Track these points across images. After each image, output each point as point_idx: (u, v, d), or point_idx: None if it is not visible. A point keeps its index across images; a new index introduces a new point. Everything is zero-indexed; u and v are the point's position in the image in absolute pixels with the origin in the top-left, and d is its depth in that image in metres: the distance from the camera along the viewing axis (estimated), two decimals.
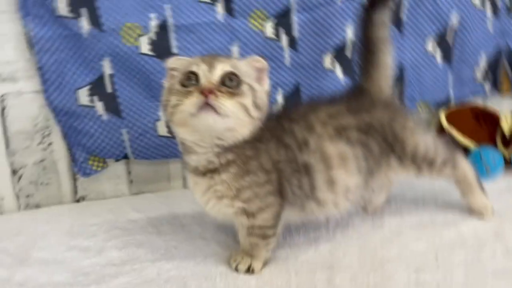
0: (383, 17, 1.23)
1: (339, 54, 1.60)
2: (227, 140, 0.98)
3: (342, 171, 1.09)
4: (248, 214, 1.03)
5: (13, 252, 1.20)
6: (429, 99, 1.77)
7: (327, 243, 1.18)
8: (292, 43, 1.55)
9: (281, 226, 1.12)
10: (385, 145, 1.17)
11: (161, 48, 1.43)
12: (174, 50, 1.45)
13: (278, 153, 1.04)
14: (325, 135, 1.09)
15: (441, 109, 1.78)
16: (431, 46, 1.71)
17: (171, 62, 1.04)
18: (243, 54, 1.51)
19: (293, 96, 1.59)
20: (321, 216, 1.15)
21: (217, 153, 1.00)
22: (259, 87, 1.01)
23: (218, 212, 1.06)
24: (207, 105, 0.90)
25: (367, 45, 1.25)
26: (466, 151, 1.63)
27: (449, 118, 1.70)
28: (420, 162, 1.21)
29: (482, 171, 1.51)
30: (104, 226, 1.33)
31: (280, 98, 1.58)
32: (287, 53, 1.55)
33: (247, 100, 0.96)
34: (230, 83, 0.94)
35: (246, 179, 1.00)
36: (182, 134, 1.00)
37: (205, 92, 0.90)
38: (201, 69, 0.95)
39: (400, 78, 1.69)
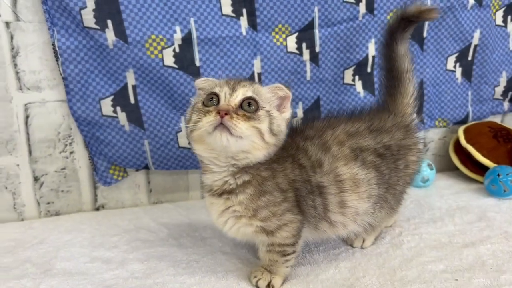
0: (404, 49, 1.27)
1: (360, 69, 1.61)
2: (241, 161, 1.00)
3: (353, 195, 1.09)
4: (267, 232, 1.04)
5: (37, 262, 1.22)
6: (448, 116, 1.78)
7: (347, 261, 1.19)
8: (314, 57, 1.55)
9: (301, 244, 1.12)
10: (394, 168, 1.17)
11: (185, 61, 1.45)
12: (197, 63, 1.46)
13: (293, 173, 1.05)
14: (340, 156, 1.09)
15: (459, 126, 1.78)
16: (451, 63, 1.71)
17: (200, 82, 1.07)
18: (265, 68, 1.52)
19: (313, 110, 1.60)
20: (332, 235, 1.16)
21: (233, 174, 1.02)
22: (278, 114, 1.01)
23: (237, 232, 1.07)
24: (222, 125, 0.93)
25: (392, 74, 1.28)
26: (484, 169, 1.64)
27: (467, 136, 1.70)
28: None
29: (500, 189, 1.51)
30: (125, 237, 1.34)
31: (300, 112, 1.59)
32: (308, 68, 1.56)
33: (263, 125, 0.97)
34: (248, 107, 0.97)
35: (262, 199, 1.01)
36: (199, 151, 1.02)
37: (222, 113, 0.92)
38: (223, 92, 0.98)
39: (420, 95, 1.70)
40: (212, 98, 0.99)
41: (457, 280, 1.07)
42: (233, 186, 1.02)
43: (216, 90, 0.99)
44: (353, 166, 1.09)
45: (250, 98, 0.98)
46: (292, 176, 1.04)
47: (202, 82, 1.06)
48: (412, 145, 1.23)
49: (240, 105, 0.97)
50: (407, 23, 1.24)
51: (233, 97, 0.97)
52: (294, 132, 1.13)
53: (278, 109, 1.03)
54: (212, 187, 1.04)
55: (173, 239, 1.34)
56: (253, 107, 0.97)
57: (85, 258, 1.24)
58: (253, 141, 0.96)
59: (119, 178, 1.55)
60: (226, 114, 0.92)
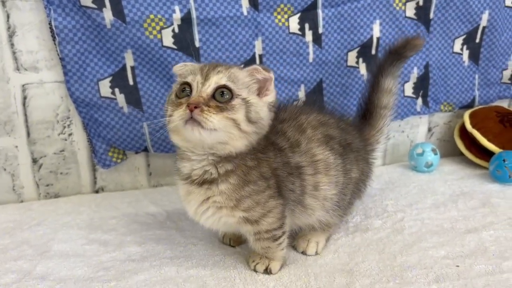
0: (388, 84, 1.32)
1: (364, 51, 1.57)
2: (220, 151, 0.96)
3: (325, 179, 1.08)
4: (251, 222, 1.01)
5: (34, 243, 1.22)
6: (453, 100, 1.74)
7: (346, 246, 1.17)
8: (317, 39, 1.52)
9: (288, 222, 1.09)
10: (354, 162, 1.17)
11: (184, 41, 1.41)
12: (197, 43, 1.43)
13: (275, 160, 1.02)
14: (314, 138, 1.08)
15: (465, 111, 1.74)
16: (458, 46, 1.67)
17: (178, 68, 1.02)
18: (267, 50, 1.49)
19: (315, 93, 1.57)
20: (302, 222, 1.13)
21: (214, 163, 0.98)
22: (256, 100, 0.96)
23: (217, 223, 1.03)
24: (192, 119, 0.89)
25: (368, 106, 1.35)
26: (489, 154, 1.61)
27: (473, 121, 1.67)
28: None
29: (505, 175, 1.48)
30: (123, 220, 1.33)
31: (302, 95, 1.56)
32: (311, 49, 1.53)
33: (238, 115, 0.92)
34: (221, 97, 0.92)
35: (246, 189, 0.98)
36: (176, 140, 0.99)
37: (191, 106, 0.88)
38: (195, 81, 0.94)
39: (425, 78, 1.66)
40: (185, 89, 0.94)
41: (458, 266, 1.06)
42: (215, 175, 0.98)
43: (189, 79, 0.95)
44: (325, 149, 1.09)
45: (223, 86, 0.92)
46: (275, 164, 1.01)
47: (180, 68, 1.02)
48: (369, 162, 1.27)
49: (213, 95, 0.92)
50: (395, 57, 1.31)
51: (205, 87, 0.92)
52: None
53: (260, 92, 0.98)
54: (190, 175, 1.00)
55: (171, 222, 1.33)
56: (227, 96, 0.92)
57: (82, 240, 1.23)
58: (229, 131, 0.92)
59: (118, 160, 1.53)
60: (196, 107, 0.88)
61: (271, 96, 0.99)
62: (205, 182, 0.99)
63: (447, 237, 1.19)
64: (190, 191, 1.01)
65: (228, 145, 0.95)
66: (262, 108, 0.97)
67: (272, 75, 0.98)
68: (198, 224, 1.28)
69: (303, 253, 1.15)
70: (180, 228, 1.29)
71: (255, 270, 1.07)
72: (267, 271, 1.06)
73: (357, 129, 1.27)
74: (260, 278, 1.05)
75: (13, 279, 1.05)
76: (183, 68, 1.01)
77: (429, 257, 1.10)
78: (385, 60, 1.33)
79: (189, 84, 0.94)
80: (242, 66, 1.00)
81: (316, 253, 1.15)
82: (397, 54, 1.32)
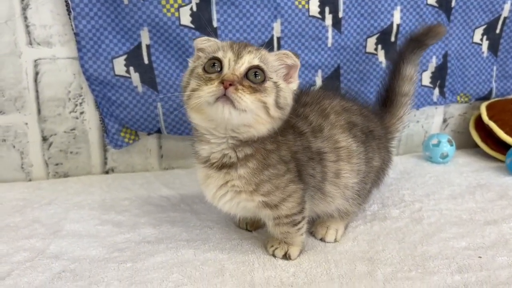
0: (409, 72, 1.30)
1: (384, 38, 1.54)
2: (242, 134, 0.93)
3: (347, 166, 1.05)
4: (271, 206, 0.98)
5: (46, 222, 1.19)
6: (470, 92, 1.72)
7: (365, 234, 1.15)
8: (337, 23, 1.48)
9: (308, 207, 1.06)
10: (377, 150, 1.15)
11: (202, 21, 1.37)
12: (215, 23, 1.39)
13: (295, 144, 0.99)
14: (337, 124, 1.06)
15: (481, 103, 1.72)
16: (478, 36, 1.64)
17: (200, 42, 0.97)
18: (285, 32, 1.45)
19: (332, 79, 1.54)
20: (321, 210, 1.10)
21: (233, 146, 0.94)
22: (285, 86, 0.94)
23: (236, 208, 1.01)
24: (225, 97, 0.85)
25: (388, 93, 1.32)
26: (505, 147, 1.59)
27: (489, 113, 1.65)
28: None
29: None
30: (136, 202, 1.31)
31: (319, 80, 1.53)
32: (330, 34, 1.49)
33: (269, 98, 0.89)
34: (254, 78, 0.88)
35: (265, 173, 0.95)
36: (196, 120, 0.94)
37: (226, 83, 0.84)
38: (227, 57, 0.89)
39: (443, 67, 1.63)
40: (214, 64, 0.90)
41: (480, 257, 1.04)
42: (234, 159, 0.95)
43: (219, 55, 0.90)
44: (348, 135, 1.06)
45: (257, 67, 0.89)
46: (295, 148, 0.99)
47: (203, 42, 0.97)
48: (389, 150, 1.25)
49: (245, 75, 0.88)
50: (416, 44, 1.29)
51: (238, 65, 0.88)
52: None
53: (285, 79, 0.95)
54: (209, 159, 0.97)
55: (185, 205, 1.30)
56: (259, 78, 0.89)
57: (95, 220, 1.20)
58: (257, 114, 0.89)
59: (130, 141, 1.50)
60: (230, 85, 0.84)
61: (294, 84, 0.97)
62: (224, 166, 0.96)
63: (467, 228, 1.17)
64: (208, 175, 0.98)
65: (252, 128, 0.92)
66: (290, 94, 0.95)
67: (299, 62, 0.95)
68: (213, 207, 1.26)
69: (322, 240, 1.13)
70: (195, 211, 1.26)
71: (273, 255, 1.05)
72: (286, 256, 1.04)
73: (378, 116, 1.25)
74: (279, 263, 1.02)
75: (25, 257, 1.03)
76: (206, 43, 0.97)
77: (450, 248, 1.08)
78: (406, 47, 1.31)
79: (219, 60, 0.90)
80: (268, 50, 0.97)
81: (335, 240, 1.13)
82: (418, 41, 1.29)
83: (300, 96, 1.07)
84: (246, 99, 0.86)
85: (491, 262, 1.02)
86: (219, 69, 0.89)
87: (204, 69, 0.91)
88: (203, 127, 0.95)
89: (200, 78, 0.90)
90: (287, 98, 0.94)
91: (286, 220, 1.01)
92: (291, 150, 0.98)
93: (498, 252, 1.06)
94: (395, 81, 1.31)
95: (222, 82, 0.85)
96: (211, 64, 0.90)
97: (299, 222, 1.03)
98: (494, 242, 1.10)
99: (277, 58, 0.94)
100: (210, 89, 0.86)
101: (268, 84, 0.90)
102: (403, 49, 1.31)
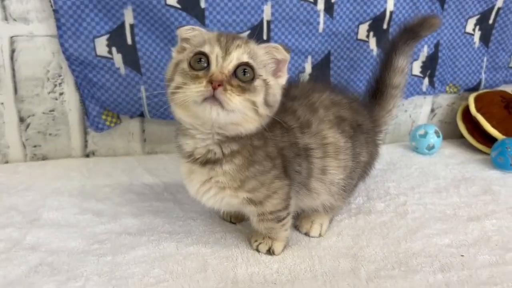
0: (401, 63, 1.27)
1: (376, 25, 1.50)
2: (229, 132, 0.90)
3: (334, 163, 1.03)
4: (255, 203, 0.96)
5: (23, 210, 1.15)
6: (459, 82, 1.70)
7: (349, 229, 1.14)
8: (329, 8, 1.44)
9: (293, 203, 1.05)
10: (364, 144, 1.12)
11: (189, 1, 1.31)
12: (203, 4, 1.33)
13: (282, 139, 0.97)
14: (326, 120, 1.03)
15: (469, 93, 1.71)
16: (471, 26, 1.61)
17: (184, 31, 0.91)
18: (276, 16, 1.40)
19: (322, 66, 1.50)
20: (304, 205, 1.09)
21: (219, 142, 0.91)
22: (274, 82, 0.90)
23: (220, 203, 0.98)
24: (213, 97, 0.81)
25: (379, 85, 1.29)
26: (491, 140, 1.59)
27: (478, 105, 1.64)
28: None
29: (507, 162, 1.47)
30: (118, 189, 1.27)
31: (308, 67, 1.49)
32: (322, 19, 1.45)
33: (258, 98, 0.86)
34: (243, 76, 0.84)
35: (251, 169, 0.92)
36: (181, 115, 0.90)
37: (215, 84, 0.80)
38: (214, 53, 0.84)
39: (434, 57, 1.61)
40: (201, 59, 0.84)
41: (463, 256, 1.04)
42: (219, 155, 0.92)
43: (206, 49, 0.85)
44: (336, 131, 1.03)
45: (246, 64, 0.85)
46: (282, 144, 0.96)
47: (187, 32, 0.91)
48: (377, 144, 1.23)
49: (234, 72, 0.84)
50: (410, 35, 1.26)
51: (226, 62, 0.84)
52: None
53: (274, 73, 0.91)
54: (193, 154, 0.94)
55: (169, 194, 1.27)
56: (248, 75, 0.85)
57: (74, 209, 1.17)
58: (245, 114, 0.85)
59: (112, 124, 1.45)
60: (219, 85, 0.80)
61: (283, 78, 0.93)
62: (208, 162, 0.93)
63: (450, 224, 1.17)
64: (192, 170, 0.95)
65: (240, 126, 0.88)
66: (279, 90, 0.91)
67: (289, 56, 0.91)
68: None
69: (306, 234, 1.12)
70: (179, 201, 1.23)
71: (257, 250, 1.04)
72: (270, 251, 1.03)
73: (367, 109, 1.22)
74: (263, 259, 1.01)
75: (1, 248, 0.99)
76: (191, 32, 0.91)
77: (433, 245, 1.08)
78: (399, 38, 1.27)
79: (205, 55, 0.85)
80: (257, 41, 0.91)
81: (320, 235, 1.12)
82: (412, 32, 1.26)
83: (289, 89, 1.03)
84: (235, 100, 0.82)
85: (473, 260, 1.02)
86: (206, 65, 0.85)
87: (190, 65, 0.86)
88: (188, 122, 0.91)
89: (186, 75, 0.85)
90: (276, 95, 0.91)
91: (271, 216, 0.99)
92: (277, 146, 0.96)
93: (480, 250, 1.06)
94: (386, 73, 1.28)
95: (210, 82, 0.80)
96: (197, 59, 0.85)
97: (284, 218, 1.02)
98: (476, 240, 1.11)
99: (266, 52, 0.90)
100: (198, 89, 0.81)
101: (258, 82, 0.86)
102: (396, 39, 1.27)
